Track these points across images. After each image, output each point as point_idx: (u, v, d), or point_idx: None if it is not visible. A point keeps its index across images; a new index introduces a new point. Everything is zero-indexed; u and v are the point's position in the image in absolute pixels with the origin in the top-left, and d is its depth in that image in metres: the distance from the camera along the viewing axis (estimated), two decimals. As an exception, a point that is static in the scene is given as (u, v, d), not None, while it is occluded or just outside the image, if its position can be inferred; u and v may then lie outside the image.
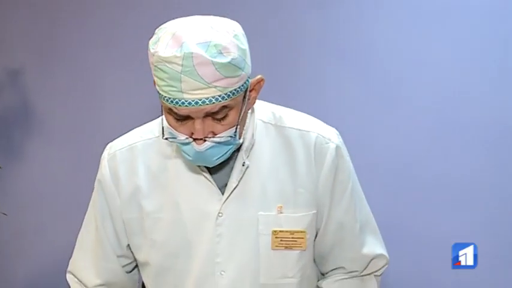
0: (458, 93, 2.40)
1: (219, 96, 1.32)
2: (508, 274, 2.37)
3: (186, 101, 1.32)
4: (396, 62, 2.47)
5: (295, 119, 1.56)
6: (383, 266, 1.62)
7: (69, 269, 1.69)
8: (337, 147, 1.54)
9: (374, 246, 1.60)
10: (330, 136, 1.54)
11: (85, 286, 1.64)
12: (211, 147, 1.38)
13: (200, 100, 1.31)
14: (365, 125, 2.46)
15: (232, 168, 1.50)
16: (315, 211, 1.53)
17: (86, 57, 2.87)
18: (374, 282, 1.62)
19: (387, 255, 1.62)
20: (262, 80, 1.44)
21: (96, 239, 1.62)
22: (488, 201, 2.39)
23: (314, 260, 1.60)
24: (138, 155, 1.55)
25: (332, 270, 1.62)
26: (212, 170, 1.50)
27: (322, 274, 1.65)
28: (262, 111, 1.55)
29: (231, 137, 1.38)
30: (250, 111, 1.52)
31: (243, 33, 1.38)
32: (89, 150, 2.87)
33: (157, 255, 1.54)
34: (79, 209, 2.91)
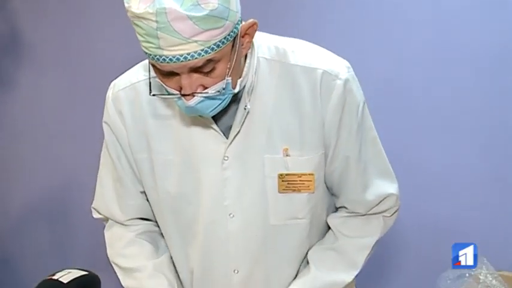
0: (456, 20, 2.36)
1: (201, 50, 1.26)
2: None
3: (166, 58, 1.27)
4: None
5: (301, 54, 1.48)
6: (392, 207, 1.58)
7: (93, 205, 1.68)
8: (346, 82, 1.46)
9: (380, 188, 1.55)
10: (338, 71, 1.47)
11: (117, 222, 1.63)
12: (202, 101, 1.34)
13: (181, 56, 1.26)
14: (361, 54, 2.40)
15: (236, 111, 1.46)
16: (322, 151, 1.49)
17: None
18: (380, 221, 1.58)
19: (396, 193, 1.57)
20: (255, 23, 1.37)
21: (116, 177, 1.58)
22: (484, 129, 2.36)
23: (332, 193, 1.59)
24: (142, 95, 1.50)
25: (339, 207, 1.61)
26: (216, 114, 1.43)
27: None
28: (264, 46, 1.49)
29: (219, 91, 1.33)
30: (250, 50, 1.44)
31: None
32: (81, 76, 2.91)
33: (168, 198, 1.53)
34: (73, 135, 2.97)
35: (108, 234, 1.65)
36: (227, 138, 1.47)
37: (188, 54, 1.25)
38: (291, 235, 1.53)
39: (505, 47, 2.30)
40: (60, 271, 1.10)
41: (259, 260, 1.52)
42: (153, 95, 1.39)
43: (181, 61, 1.26)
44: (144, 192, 1.59)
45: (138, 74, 1.53)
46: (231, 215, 1.50)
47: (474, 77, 2.35)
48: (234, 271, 1.53)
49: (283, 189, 1.49)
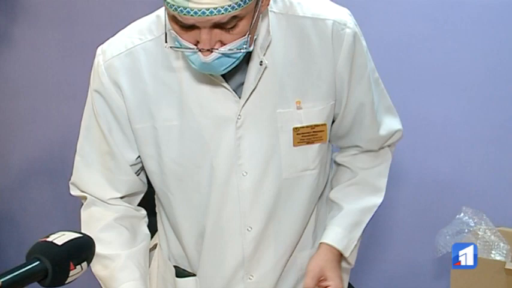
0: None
1: (229, 6, 1.22)
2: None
3: (191, 10, 1.22)
4: None
5: (307, 6, 1.47)
6: (397, 140, 1.65)
7: (72, 180, 1.57)
8: (354, 30, 1.48)
9: (390, 125, 1.61)
10: (345, 19, 1.48)
11: (99, 199, 1.55)
12: (219, 58, 1.30)
13: (207, 10, 1.21)
14: (363, 10, 2.34)
15: (246, 67, 1.42)
16: (333, 102, 1.50)
17: None
18: (389, 153, 1.65)
19: (401, 128, 1.64)
20: None
21: (105, 151, 1.50)
22: (485, 84, 2.34)
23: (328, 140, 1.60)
24: (141, 60, 1.43)
25: (348, 147, 1.64)
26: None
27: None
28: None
29: (241, 49, 1.30)
30: None
31: None
32: (79, 31, 2.85)
33: (173, 165, 1.48)
34: (72, 91, 2.97)
35: (85, 213, 1.56)
36: (239, 96, 1.44)
37: (215, 8, 1.21)
38: (302, 187, 1.53)
39: (508, 3, 2.26)
40: (54, 233, 1.09)
41: (271, 215, 1.51)
42: (170, 47, 1.33)
43: (207, 15, 1.22)
44: (134, 165, 1.53)
45: (133, 38, 1.46)
46: (245, 174, 1.47)
47: (477, 32, 2.32)
48: (248, 229, 1.51)
49: (298, 143, 1.48)
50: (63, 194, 3.23)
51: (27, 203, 3.35)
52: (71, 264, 1.07)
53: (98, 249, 1.45)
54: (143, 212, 1.61)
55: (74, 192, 1.59)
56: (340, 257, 1.58)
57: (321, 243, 1.57)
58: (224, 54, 1.29)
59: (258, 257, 1.53)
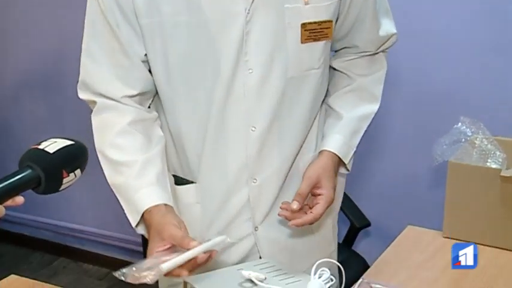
0: None
1: None
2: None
3: None
4: None
5: None
6: (392, 44, 1.66)
7: (82, 80, 1.53)
8: None
9: (388, 27, 1.61)
10: None
11: (110, 99, 1.49)
12: None
13: None
14: None
15: None
16: None
17: None
18: (382, 56, 1.67)
19: (397, 32, 1.64)
20: None
21: (116, 48, 1.45)
22: None
23: None
24: None
25: (344, 48, 1.64)
26: None
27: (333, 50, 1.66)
28: None
29: None
30: None
31: None
32: None
33: (179, 62, 1.46)
34: (66, 1, 2.92)
35: (97, 119, 1.52)
36: None
37: None
38: (307, 87, 1.53)
39: None
40: (45, 140, 1.07)
41: (276, 114, 1.51)
42: None
43: None
44: (145, 62, 1.49)
45: None
46: (250, 71, 1.46)
47: None
48: (252, 129, 1.50)
49: (305, 39, 1.47)
50: (59, 105, 3.24)
51: (23, 114, 3.34)
52: (64, 172, 1.06)
53: (115, 155, 1.47)
54: (155, 113, 1.57)
55: (83, 95, 1.54)
56: (339, 164, 1.60)
57: (321, 150, 1.58)
58: None
59: (262, 159, 1.53)
